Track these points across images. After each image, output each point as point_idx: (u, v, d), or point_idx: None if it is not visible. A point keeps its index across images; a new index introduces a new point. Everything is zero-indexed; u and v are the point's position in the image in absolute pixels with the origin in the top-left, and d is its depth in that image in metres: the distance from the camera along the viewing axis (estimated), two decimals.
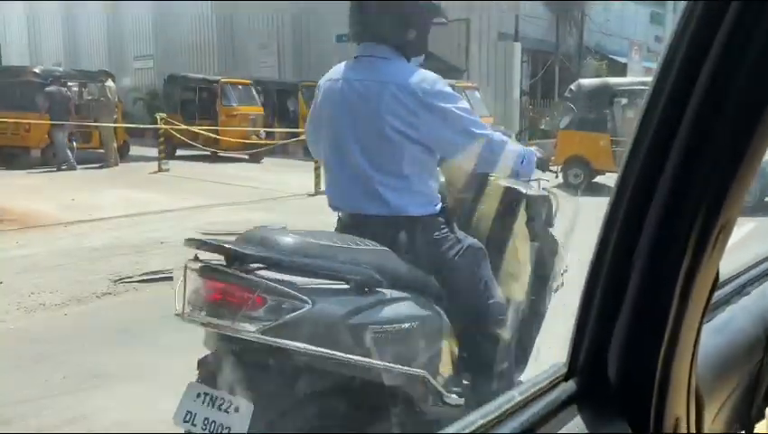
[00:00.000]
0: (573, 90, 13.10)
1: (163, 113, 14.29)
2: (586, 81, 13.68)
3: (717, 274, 0.65)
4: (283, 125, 15.82)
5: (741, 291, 1.10)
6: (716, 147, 0.56)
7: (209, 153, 15.98)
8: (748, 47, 0.54)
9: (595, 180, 12.53)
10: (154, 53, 26.04)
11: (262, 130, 15.83)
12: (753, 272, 1.18)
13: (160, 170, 13.74)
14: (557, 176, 13.35)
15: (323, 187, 11.05)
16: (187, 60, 25.04)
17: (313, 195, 11.09)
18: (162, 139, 14.04)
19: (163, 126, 14.00)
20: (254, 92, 16.76)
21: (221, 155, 15.93)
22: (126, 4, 26.62)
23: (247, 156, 15.38)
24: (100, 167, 13.94)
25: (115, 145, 14.43)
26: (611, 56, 22.32)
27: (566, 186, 12.16)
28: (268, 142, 15.04)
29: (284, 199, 10.79)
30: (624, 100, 13.16)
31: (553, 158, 14.08)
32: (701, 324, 0.63)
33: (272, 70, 21.56)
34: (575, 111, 12.85)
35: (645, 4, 26.91)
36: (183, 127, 14.32)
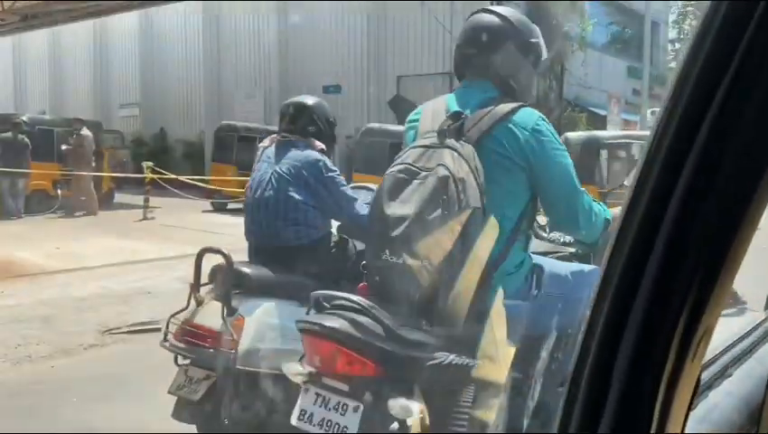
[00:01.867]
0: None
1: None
2: (574, 135, 13.93)
3: (699, 379, 0.64)
4: None
5: (723, 373, 1.06)
6: (696, 254, 0.55)
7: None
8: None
9: None
10: (139, 102, 26.24)
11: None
12: (735, 351, 1.14)
13: (145, 218, 13.71)
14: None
15: None
16: (173, 108, 25.31)
17: None
18: (148, 188, 14.06)
19: (149, 174, 14.06)
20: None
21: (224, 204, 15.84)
22: (114, 52, 26.99)
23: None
24: (82, 215, 13.86)
25: (94, 193, 14.23)
26: (590, 108, 22.89)
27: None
28: None
29: None
30: (618, 152, 13.55)
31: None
32: (684, 423, 0.62)
33: (258, 119, 21.78)
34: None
35: (623, 58, 27.81)
36: (172, 176, 14.34)
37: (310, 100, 3.84)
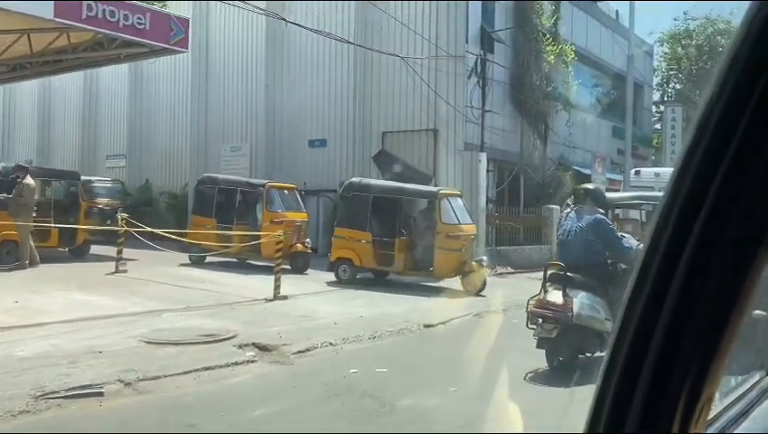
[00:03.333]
0: (569, 205, 13.17)
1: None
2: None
3: None
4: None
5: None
6: (702, 317, 0.59)
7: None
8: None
9: None
10: (126, 153, 26.19)
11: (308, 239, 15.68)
12: (732, 413, 1.19)
13: (117, 271, 13.37)
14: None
15: (282, 291, 10.80)
16: (159, 160, 25.25)
17: (271, 300, 10.81)
18: (121, 240, 13.79)
19: (124, 226, 13.81)
20: (299, 197, 16.35)
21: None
22: (102, 102, 27.09)
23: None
24: (14, 269, 12.89)
25: (31, 244, 13.37)
26: (575, 168, 22.98)
27: None
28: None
29: (241, 304, 10.47)
30: (629, 214, 13.49)
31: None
32: None
33: (244, 172, 21.69)
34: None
35: (608, 119, 28.16)
36: (147, 229, 14.07)
37: (592, 186, 7.98)
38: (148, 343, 7.41)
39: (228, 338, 7.74)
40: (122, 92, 26.15)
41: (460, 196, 14.45)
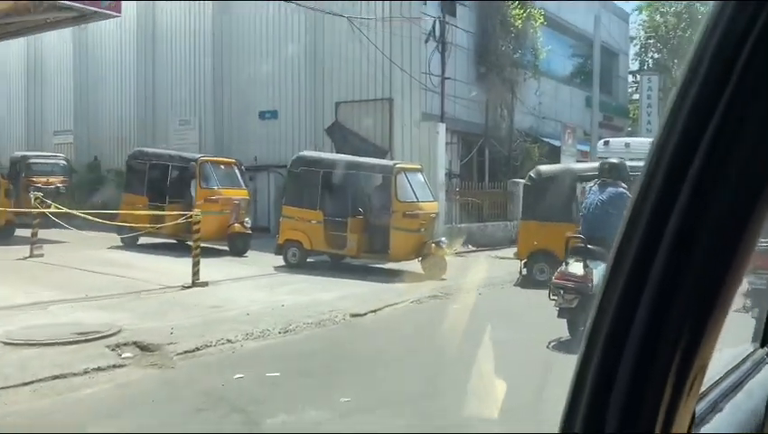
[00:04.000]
0: (533, 177, 12.04)
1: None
2: (546, 168, 12.74)
3: (694, 413, 0.67)
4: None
5: (715, 407, 1.06)
6: (689, 291, 0.57)
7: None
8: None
9: None
10: (73, 129, 24.70)
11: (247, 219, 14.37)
12: (725, 385, 1.15)
13: (31, 255, 12.14)
14: (520, 272, 11.50)
15: (208, 277, 9.19)
16: (107, 135, 23.78)
17: (188, 287, 9.68)
18: (37, 221, 12.53)
19: (40, 208, 12.54)
20: (238, 173, 14.93)
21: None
22: (48, 76, 25.51)
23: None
24: None
25: None
26: (544, 139, 21.89)
27: (533, 283, 11.13)
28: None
29: (151, 292, 9.32)
30: (590, 186, 12.29)
31: (515, 252, 12.50)
32: None
33: (193, 146, 20.36)
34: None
35: (582, 88, 27.04)
36: (64, 210, 12.79)
37: (616, 160, 7.76)
38: (6, 343, 6.26)
39: (107, 336, 6.60)
40: (67, 66, 24.62)
41: (420, 171, 13.07)
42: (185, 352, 6.26)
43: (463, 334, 7.27)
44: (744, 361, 1.30)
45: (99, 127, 23.98)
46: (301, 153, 13.87)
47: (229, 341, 6.69)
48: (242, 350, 6.55)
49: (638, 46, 39.53)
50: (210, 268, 11.55)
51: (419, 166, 13.38)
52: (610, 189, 6.99)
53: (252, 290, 9.75)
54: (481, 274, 12.27)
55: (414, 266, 12.01)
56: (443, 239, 12.35)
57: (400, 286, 10.55)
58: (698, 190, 0.56)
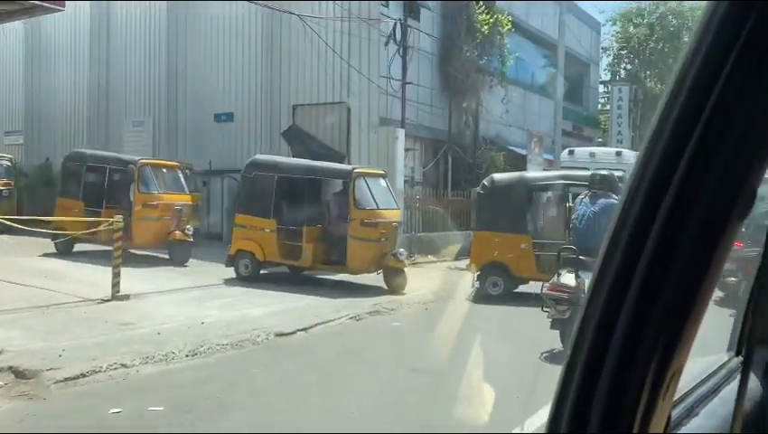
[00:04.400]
0: (486, 186, 11.37)
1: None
2: (500, 176, 12.04)
3: (669, 417, 0.69)
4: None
5: (691, 412, 1.09)
6: (667, 299, 0.60)
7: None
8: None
9: (518, 289, 10.87)
10: (24, 129, 23.66)
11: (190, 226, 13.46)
12: (701, 391, 1.18)
13: None
14: (473, 285, 9.17)
15: (126, 289, 7.78)
16: (60, 136, 22.77)
17: (107, 300, 8.88)
18: None
19: None
20: (182, 177, 14.15)
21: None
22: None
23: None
24: None
25: None
26: (510, 147, 21.37)
27: (485, 298, 10.55)
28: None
29: (63, 306, 8.49)
30: (545, 196, 11.67)
31: (468, 264, 11.68)
32: None
33: (147, 149, 19.49)
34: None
35: (551, 97, 26.63)
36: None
37: (606, 173, 8.12)
38: None
39: None
40: (18, 66, 23.59)
41: (382, 177, 12.16)
42: (66, 379, 5.49)
43: (393, 358, 6.59)
44: (719, 368, 1.34)
45: (51, 128, 22.97)
46: (255, 157, 12.98)
47: (123, 366, 5.92)
48: (135, 377, 5.78)
49: (611, 57, 39.46)
50: (142, 278, 10.77)
51: (382, 172, 12.49)
52: (601, 200, 7.19)
53: (177, 305, 8.96)
54: (434, 287, 11.60)
55: (376, 279, 11.18)
56: (401, 250, 11.44)
57: (345, 300, 9.81)
58: (679, 202, 0.59)
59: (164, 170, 13.90)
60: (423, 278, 12.69)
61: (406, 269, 11.32)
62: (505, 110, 22.17)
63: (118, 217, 9.96)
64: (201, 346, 6.72)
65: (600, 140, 31.80)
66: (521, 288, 10.92)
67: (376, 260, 11.02)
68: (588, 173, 12.79)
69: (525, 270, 10.66)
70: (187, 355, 6.46)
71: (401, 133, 15.93)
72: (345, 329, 8.15)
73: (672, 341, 0.61)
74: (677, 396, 1.00)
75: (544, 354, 6.46)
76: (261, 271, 11.65)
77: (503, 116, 21.98)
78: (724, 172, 0.59)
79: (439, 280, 12.58)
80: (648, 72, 37.68)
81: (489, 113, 21.11)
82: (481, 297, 10.84)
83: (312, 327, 7.96)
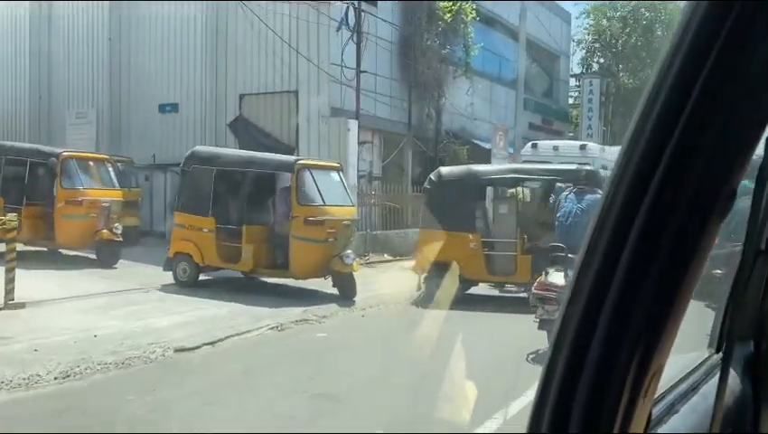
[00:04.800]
0: (433, 181, 10.45)
1: None
2: (448, 170, 11.07)
3: (650, 415, 0.69)
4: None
5: (671, 409, 1.08)
6: (648, 295, 0.60)
7: None
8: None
9: (470, 291, 10.03)
10: None
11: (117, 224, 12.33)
12: (681, 388, 1.18)
13: None
14: (419, 288, 10.22)
15: (21, 297, 8.16)
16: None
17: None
18: None
19: None
20: (111, 171, 13.00)
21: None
22: None
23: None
24: None
25: None
26: (475, 141, 20.54)
27: (432, 302, 9.61)
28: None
29: None
30: (495, 192, 10.79)
31: (413, 266, 10.55)
32: None
33: (90, 142, 18.34)
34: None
35: (516, 89, 25.88)
36: None
37: (592, 168, 8.32)
38: None
39: None
40: None
41: (335, 170, 11.01)
42: None
43: (298, 381, 5.69)
44: (700, 365, 1.33)
45: None
46: (194, 148, 11.77)
47: None
48: None
49: (584, 51, 38.91)
50: (56, 282, 9.76)
51: (336, 164, 11.31)
52: (588, 196, 7.13)
53: (77, 314, 7.95)
54: (380, 290, 10.71)
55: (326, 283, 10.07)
56: (349, 252, 10.03)
57: (274, 308, 8.80)
58: (660, 201, 0.59)
59: (91, 163, 12.83)
60: (373, 280, 11.78)
61: (357, 271, 10.13)
62: (470, 103, 21.34)
63: (12, 215, 8.92)
64: (79, 366, 5.74)
65: (571, 134, 31.11)
66: (473, 290, 10.13)
67: (323, 264, 9.78)
68: (547, 167, 12.09)
69: (474, 271, 9.82)
70: (56, 378, 5.48)
71: (354, 124, 14.99)
72: (261, 342, 7.21)
73: (653, 340, 0.62)
74: (657, 394, 0.98)
75: (531, 356, 6.06)
76: (202, 276, 10.51)
77: (468, 108, 21.15)
78: (704, 171, 0.59)
79: (389, 282, 11.69)
80: (621, 66, 37.25)
81: (453, 105, 20.27)
82: (428, 300, 9.98)
83: (221, 340, 7.01)
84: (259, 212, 10.72)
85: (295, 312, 8.57)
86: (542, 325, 6.30)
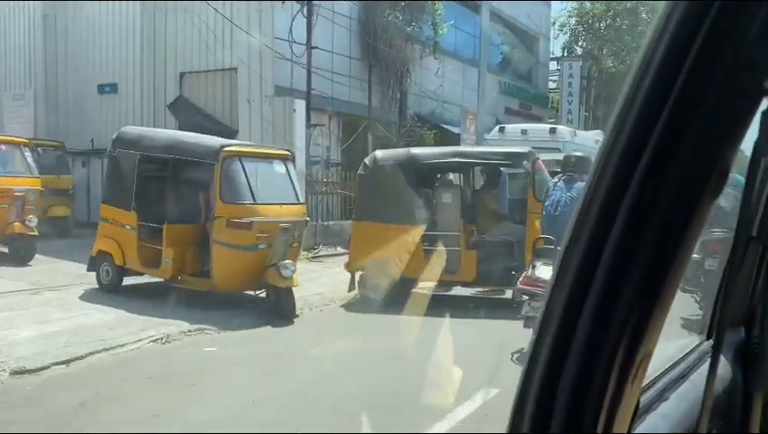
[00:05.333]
0: (367, 166, 9.17)
1: None
2: (384, 153, 9.71)
3: (638, 402, 0.69)
4: None
5: (660, 397, 1.07)
6: (636, 280, 0.59)
7: None
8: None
9: (416, 289, 8.77)
10: None
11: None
12: (671, 376, 1.16)
13: None
14: (350, 289, 9.03)
15: None
16: None
17: None
18: None
19: None
20: (25, 155, 11.56)
21: None
22: None
23: None
24: None
25: None
26: (444, 126, 19.31)
27: (366, 304, 8.55)
28: None
29: None
30: (439, 178, 9.55)
31: (346, 263, 9.15)
32: None
33: (28, 125, 16.99)
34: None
35: (495, 72, 24.63)
36: None
37: (582, 154, 7.45)
38: None
39: None
40: None
41: (283, 159, 8.97)
42: None
43: (149, 416, 4.49)
44: (690, 352, 1.31)
45: None
46: (122, 129, 9.95)
47: None
48: None
49: (568, 34, 37.70)
50: None
51: (281, 152, 9.28)
52: (578, 184, 6.59)
53: None
54: (312, 290, 9.50)
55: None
56: (288, 262, 8.01)
57: (165, 319, 7.35)
58: (647, 183, 0.58)
59: (3, 147, 11.51)
60: (312, 278, 10.55)
61: (297, 286, 8.14)
62: (439, 85, 20.10)
63: None
64: None
65: (553, 120, 29.90)
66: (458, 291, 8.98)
67: (252, 275, 7.95)
68: (494, 149, 10.80)
69: (413, 269, 8.63)
70: None
71: (300, 105, 13.71)
72: (130, 359, 6.00)
73: (641, 324, 0.61)
74: (646, 381, 0.99)
75: (515, 355, 5.50)
76: (130, 280, 9.03)
77: (438, 91, 19.90)
78: (694, 151, 0.58)
79: (328, 280, 10.51)
80: (605, 50, 36.08)
81: (421, 88, 19.03)
82: (361, 303, 8.82)
83: (82, 358, 5.79)
84: (185, 208, 8.91)
85: (197, 319, 7.35)
86: (527, 322, 5.85)
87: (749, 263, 1.11)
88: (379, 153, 9.47)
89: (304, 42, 14.16)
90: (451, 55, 20.80)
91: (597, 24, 36.68)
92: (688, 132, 0.57)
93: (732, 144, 0.59)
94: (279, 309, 7.92)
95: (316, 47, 14.45)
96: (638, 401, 0.68)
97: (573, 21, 37.97)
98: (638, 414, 0.69)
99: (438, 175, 9.53)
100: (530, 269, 6.14)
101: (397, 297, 8.74)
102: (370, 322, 8.02)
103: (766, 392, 1.21)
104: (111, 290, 8.74)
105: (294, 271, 8.04)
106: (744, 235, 1.02)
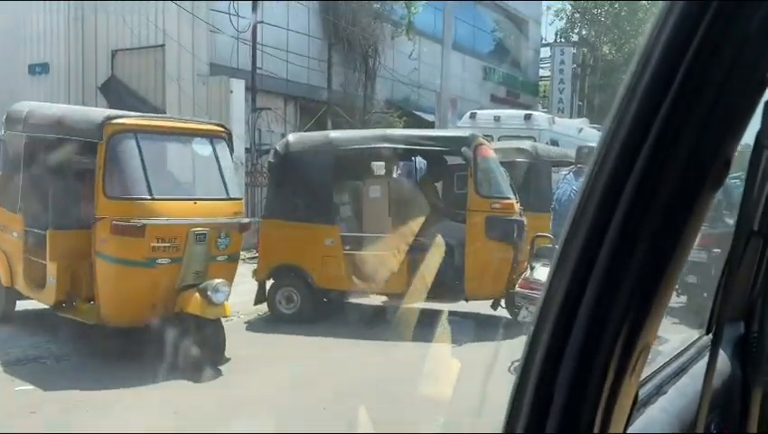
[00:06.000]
0: (278, 153, 7.55)
1: None
2: (298, 138, 7.99)
3: (637, 395, 0.68)
4: None
5: (659, 390, 1.08)
6: (634, 278, 0.59)
7: None
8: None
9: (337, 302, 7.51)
10: None
11: None
12: (670, 370, 1.17)
13: None
14: (257, 301, 7.70)
15: None
16: None
17: None
18: None
19: None
20: None
21: None
22: None
23: None
24: None
25: None
26: (418, 112, 17.76)
27: (275, 320, 7.17)
28: None
29: None
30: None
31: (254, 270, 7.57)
32: None
33: None
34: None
35: (478, 57, 23.06)
36: None
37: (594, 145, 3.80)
38: None
39: None
40: None
41: (208, 135, 6.32)
42: None
43: None
44: (689, 346, 1.31)
45: None
46: (14, 105, 7.14)
47: None
48: None
49: (564, 20, 36.08)
50: None
51: (210, 127, 6.52)
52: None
53: None
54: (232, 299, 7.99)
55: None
56: (217, 283, 5.64)
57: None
58: (648, 176, 0.57)
59: None
60: (237, 282, 9.03)
61: (229, 316, 6.11)
62: (413, 68, 18.54)
63: None
64: None
65: (545, 109, 28.31)
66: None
67: (154, 304, 5.70)
68: (430, 133, 9.16)
69: (331, 278, 7.13)
70: None
71: (239, 85, 12.17)
72: None
73: (640, 317, 0.60)
74: (645, 374, 0.99)
75: (515, 363, 3.68)
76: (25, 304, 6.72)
77: (411, 75, 18.35)
78: (695, 141, 0.57)
79: (251, 286, 8.99)
80: (603, 37, 34.46)
81: (392, 71, 17.48)
82: (269, 320, 7.34)
83: None
84: (75, 208, 6.42)
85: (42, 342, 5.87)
86: (527, 328, 4.57)
87: (749, 257, 1.11)
88: (291, 137, 7.86)
89: (249, 17, 12.65)
90: (428, 37, 19.23)
91: (596, 10, 35.04)
92: (690, 122, 0.56)
93: (734, 134, 0.59)
94: (205, 349, 5.53)
95: (262, 21, 12.92)
96: (636, 394, 0.68)
97: (569, 6, 36.33)
98: (637, 407, 0.69)
99: (364, 164, 7.99)
100: (529, 271, 5.98)
101: (311, 313, 7.29)
102: (275, 346, 6.53)
103: (765, 386, 1.22)
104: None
105: (226, 296, 5.71)
106: (745, 229, 1.03)
